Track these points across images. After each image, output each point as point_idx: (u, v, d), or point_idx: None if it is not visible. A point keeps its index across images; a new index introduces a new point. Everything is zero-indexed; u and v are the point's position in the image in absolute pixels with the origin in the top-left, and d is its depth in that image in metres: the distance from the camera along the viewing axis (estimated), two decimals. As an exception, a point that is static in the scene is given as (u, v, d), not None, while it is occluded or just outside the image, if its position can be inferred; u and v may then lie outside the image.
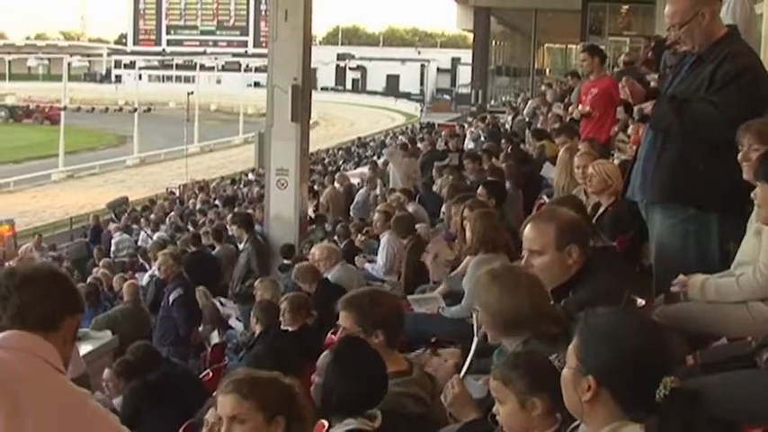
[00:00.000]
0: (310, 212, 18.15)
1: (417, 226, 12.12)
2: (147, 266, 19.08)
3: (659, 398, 2.65)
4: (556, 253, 4.46)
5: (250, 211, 22.48)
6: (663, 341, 2.85)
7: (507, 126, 25.16)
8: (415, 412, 4.39)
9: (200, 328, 12.38)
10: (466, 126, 30.74)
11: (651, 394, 2.66)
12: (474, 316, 4.39)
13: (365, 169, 24.74)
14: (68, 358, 3.01)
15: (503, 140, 18.73)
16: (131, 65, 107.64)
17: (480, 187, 10.07)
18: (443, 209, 12.48)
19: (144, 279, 16.52)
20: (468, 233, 7.39)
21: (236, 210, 24.94)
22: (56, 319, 2.97)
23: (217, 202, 31.29)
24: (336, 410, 4.10)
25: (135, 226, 27.74)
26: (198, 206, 30.16)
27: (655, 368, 2.70)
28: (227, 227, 16.34)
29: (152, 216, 29.68)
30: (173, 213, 29.23)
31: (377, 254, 11.93)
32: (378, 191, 19.42)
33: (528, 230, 4.58)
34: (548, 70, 62.82)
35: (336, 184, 21.66)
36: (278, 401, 3.45)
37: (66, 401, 2.83)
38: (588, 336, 2.85)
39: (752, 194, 4.52)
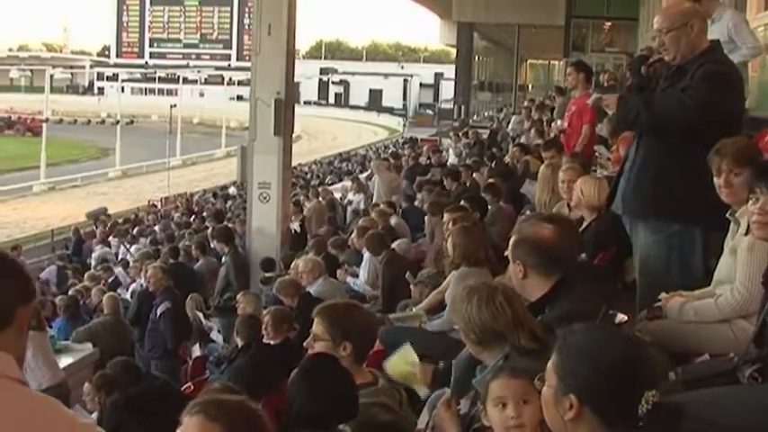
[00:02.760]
0: (296, 226, 18.13)
1: (398, 241, 12.18)
2: (123, 280, 19.03)
3: (642, 413, 2.65)
4: (512, 264, 4.61)
5: (231, 225, 22.43)
6: (643, 356, 2.84)
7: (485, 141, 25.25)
8: (385, 420, 4.44)
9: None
10: (447, 141, 30.78)
11: (634, 410, 2.66)
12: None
13: (348, 183, 24.81)
14: (23, 351, 2.75)
15: (485, 156, 18.80)
16: (114, 77, 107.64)
17: (463, 202, 10.10)
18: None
19: (128, 292, 16.50)
20: (449, 247, 7.40)
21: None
22: (9, 311, 2.67)
23: (204, 214, 31.20)
24: (303, 426, 4.11)
25: (113, 240, 27.56)
26: (181, 219, 30.03)
27: (636, 383, 2.70)
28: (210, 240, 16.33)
29: (135, 229, 29.56)
30: (157, 227, 29.07)
31: (359, 267, 12.01)
32: (362, 204, 19.52)
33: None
34: (530, 86, 62.96)
35: (320, 198, 21.67)
36: (244, 426, 3.42)
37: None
38: (567, 353, 2.83)
39: (728, 214, 4.56)
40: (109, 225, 30.62)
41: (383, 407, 4.47)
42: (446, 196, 13.60)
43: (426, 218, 12.62)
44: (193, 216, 30.88)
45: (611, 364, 2.74)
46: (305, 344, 4.88)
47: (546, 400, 2.87)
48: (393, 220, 13.85)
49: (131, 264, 18.48)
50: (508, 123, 27.42)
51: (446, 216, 9.12)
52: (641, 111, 5.30)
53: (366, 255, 11.94)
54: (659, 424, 2.65)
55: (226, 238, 14.94)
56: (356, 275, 12.03)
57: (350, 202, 21.41)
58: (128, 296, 15.90)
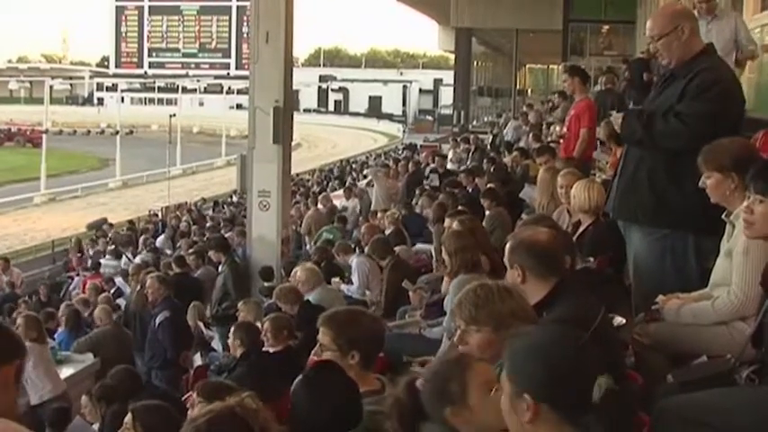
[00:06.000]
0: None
1: (397, 248, 12.22)
2: (124, 290, 19.03)
3: (596, 399, 2.68)
4: (510, 270, 4.57)
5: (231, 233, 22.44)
6: (587, 345, 2.88)
7: (488, 146, 25.30)
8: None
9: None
10: (446, 147, 30.80)
11: (588, 398, 2.69)
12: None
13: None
14: (9, 407, 2.80)
15: (485, 160, 18.81)
16: (113, 87, 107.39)
17: (460, 207, 10.11)
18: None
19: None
20: (445, 256, 7.33)
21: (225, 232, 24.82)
22: None
23: (208, 223, 31.19)
24: None
25: (107, 248, 27.49)
26: (183, 228, 29.96)
27: (586, 372, 2.73)
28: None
29: (141, 238, 29.52)
30: (162, 237, 29.01)
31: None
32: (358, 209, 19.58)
33: None
34: (529, 91, 63.03)
35: (320, 206, 21.70)
36: None
37: None
38: (516, 356, 2.87)
39: (723, 215, 4.58)
40: (110, 235, 30.59)
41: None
42: (452, 200, 13.62)
43: (430, 225, 12.67)
44: (194, 225, 30.83)
45: (558, 358, 2.78)
46: (312, 354, 4.86)
47: (504, 408, 2.89)
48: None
49: (130, 274, 18.40)
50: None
51: (447, 221, 9.11)
52: (644, 138, 5.35)
53: (354, 261, 12.11)
54: (615, 407, 2.67)
55: (222, 248, 15.00)
56: (349, 282, 12.15)
57: (345, 209, 21.44)
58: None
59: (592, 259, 6.29)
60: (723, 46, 8.59)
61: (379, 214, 15.72)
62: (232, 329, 8.91)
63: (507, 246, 4.64)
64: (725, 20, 9.46)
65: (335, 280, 12.03)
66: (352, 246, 14.13)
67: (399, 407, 3.69)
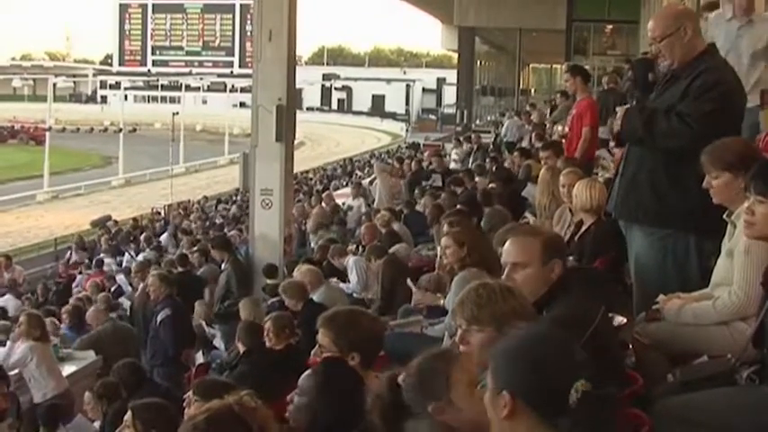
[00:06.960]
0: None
1: (398, 246, 12.24)
2: (125, 288, 19.06)
3: (573, 402, 2.66)
4: (540, 267, 4.34)
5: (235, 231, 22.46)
6: (568, 347, 2.85)
7: (490, 145, 25.29)
8: None
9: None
10: (448, 146, 30.80)
11: (566, 401, 2.66)
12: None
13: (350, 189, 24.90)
14: None
15: (487, 160, 18.82)
16: (117, 85, 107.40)
17: (459, 206, 10.13)
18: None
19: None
20: (451, 254, 7.33)
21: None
22: None
23: (217, 220, 31.20)
24: None
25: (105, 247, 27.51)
26: (189, 227, 29.99)
27: (564, 374, 2.71)
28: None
29: (143, 236, 29.56)
30: (165, 235, 29.04)
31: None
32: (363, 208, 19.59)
33: (510, 244, 4.45)
34: (533, 90, 63.09)
35: (323, 204, 21.70)
36: None
37: None
38: (498, 353, 2.87)
39: (725, 215, 4.58)
40: (112, 233, 30.60)
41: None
42: (453, 199, 13.63)
43: (433, 228, 12.69)
44: (198, 223, 30.86)
45: (538, 357, 2.77)
46: (312, 354, 4.86)
47: (486, 404, 2.88)
48: (395, 226, 13.90)
49: (133, 272, 18.44)
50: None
51: (444, 223, 9.10)
52: (644, 136, 5.31)
53: (351, 260, 12.14)
54: (589, 411, 2.66)
55: (224, 247, 15.02)
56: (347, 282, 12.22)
57: (350, 208, 21.43)
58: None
59: (571, 257, 6.28)
60: (753, 53, 8.10)
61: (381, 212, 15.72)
62: (238, 327, 8.94)
63: (538, 241, 4.41)
64: (759, 25, 8.75)
65: (333, 280, 12.04)
66: (348, 248, 14.16)
67: (381, 402, 3.69)
